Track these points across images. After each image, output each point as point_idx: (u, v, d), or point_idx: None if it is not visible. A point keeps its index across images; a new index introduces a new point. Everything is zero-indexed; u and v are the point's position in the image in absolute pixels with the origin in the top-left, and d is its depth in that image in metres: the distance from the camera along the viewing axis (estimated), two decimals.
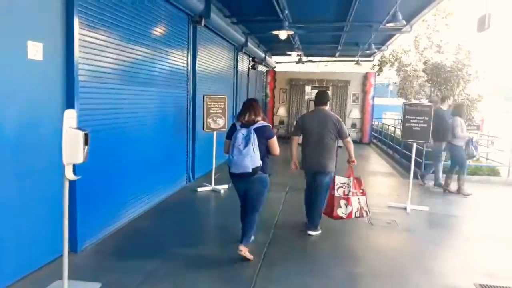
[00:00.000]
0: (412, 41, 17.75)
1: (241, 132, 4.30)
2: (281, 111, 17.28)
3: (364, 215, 5.31)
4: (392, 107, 28.78)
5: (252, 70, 13.56)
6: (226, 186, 7.71)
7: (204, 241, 5.17)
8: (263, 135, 4.37)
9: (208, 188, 7.60)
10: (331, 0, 8.81)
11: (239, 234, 4.64)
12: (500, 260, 4.80)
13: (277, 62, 19.44)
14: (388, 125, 15.88)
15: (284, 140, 16.28)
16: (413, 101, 19.12)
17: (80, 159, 3.41)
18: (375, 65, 19.40)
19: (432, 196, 7.94)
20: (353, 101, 16.96)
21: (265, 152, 4.43)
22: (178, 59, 7.35)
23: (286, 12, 8.88)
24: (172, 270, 4.24)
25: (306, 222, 5.53)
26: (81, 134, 3.39)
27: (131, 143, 5.69)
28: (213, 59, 9.57)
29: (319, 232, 5.43)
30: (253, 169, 4.24)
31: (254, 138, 4.24)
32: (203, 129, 7.46)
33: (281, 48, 15.13)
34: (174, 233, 5.35)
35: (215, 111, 7.50)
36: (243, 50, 12.01)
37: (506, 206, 7.65)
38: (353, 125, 16.59)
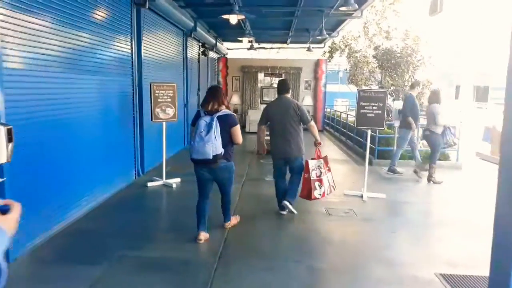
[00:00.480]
0: (362, 28, 17.89)
1: (204, 119, 4.36)
2: (235, 99, 16.93)
3: (333, 190, 5.84)
4: (343, 94, 29.33)
5: (202, 56, 13.07)
6: (178, 179, 7.33)
7: (155, 241, 4.78)
8: (226, 123, 4.44)
9: (159, 182, 7.17)
10: None
11: (192, 232, 4.50)
12: (460, 248, 4.78)
13: (228, 49, 19.00)
14: (341, 112, 16.01)
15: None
16: (364, 87, 19.51)
17: (3, 159, 2.91)
18: (325, 52, 19.44)
19: (388, 183, 7.98)
20: (306, 88, 16.94)
21: (228, 140, 4.51)
22: (121, 44, 6.82)
23: None
24: (121, 275, 3.86)
25: (280, 205, 5.71)
26: (2, 130, 2.89)
27: (70, 137, 5.17)
28: (161, 44, 9.04)
29: (294, 211, 5.69)
30: (213, 156, 4.30)
31: (216, 126, 4.31)
32: (151, 119, 6.99)
33: (232, 34, 14.75)
34: (122, 234, 4.92)
35: (163, 100, 7.04)
36: (192, 36, 11.50)
37: (460, 190, 7.82)
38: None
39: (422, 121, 9.01)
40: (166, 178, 7.22)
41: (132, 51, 7.27)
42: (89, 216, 5.48)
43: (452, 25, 26.81)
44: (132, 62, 7.32)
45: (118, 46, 6.71)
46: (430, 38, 13.05)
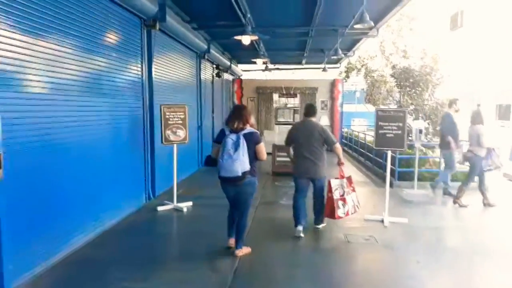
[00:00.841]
0: (378, 47, 17.66)
1: (231, 138, 4.49)
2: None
3: (357, 210, 5.94)
4: (360, 114, 28.95)
5: (217, 78, 12.97)
6: (190, 203, 7.07)
7: (162, 271, 4.47)
8: (252, 141, 4.56)
9: (170, 206, 6.92)
10: (295, 3, 8.41)
11: (201, 259, 4.39)
12: (493, 278, 4.37)
13: (243, 70, 18.95)
14: (358, 132, 15.64)
15: None
16: (382, 107, 19.12)
17: None
18: (341, 72, 19.21)
19: (409, 206, 7.55)
20: (322, 108, 16.63)
21: (253, 157, 4.63)
22: (131, 66, 6.72)
23: (249, 16, 8.39)
24: None
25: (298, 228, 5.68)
26: None
27: (75, 160, 4.99)
28: (173, 66, 8.94)
29: (324, 224, 6.03)
30: (242, 173, 4.45)
31: (243, 144, 4.45)
32: (162, 142, 6.79)
33: (247, 55, 14.67)
34: (127, 262, 4.66)
35: (174, 122, 6.86)
36: (206, 57, 11.43)
37: (487, 214, 7.34)
38: None
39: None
40: (177, 202, 6.97)
41: (142, 72, 7.16)
42: (95, 243, 5.25)
43: (471, 42, 26.34)
44: (143, 84, 7.19)
45: (128, 68, 6.60)
46: (449, 56, 12.67)
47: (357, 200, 5.96)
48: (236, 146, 4.44)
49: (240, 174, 4.45)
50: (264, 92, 16.62)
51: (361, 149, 13.85)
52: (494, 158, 7.41)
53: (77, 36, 4.97)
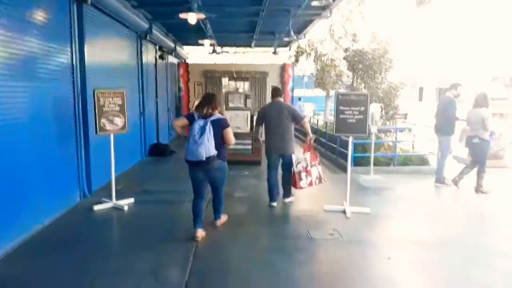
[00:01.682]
0: (327, 31, 17.37)
1: (198, 123, 4.64)
2: None
3: (323, 181, 6.25)
4: (308, 99, 28.88)
5: (160, 60, 11.99)
6: (131, 200, 6.26)
7: None
8: (219, 126, 4.73)
9: (108, 204, 6.07)
10: None
11: (147, 274, 3.63)
12: (460, 269, 4.04)
13: (190, 54, 17.97)
14: (310, 117, 15.33)
15: None
16: (331, 92, 18.95)
17: None
18: (291, 56, 18.78)
19: (368, 194, 7.20)
20: None
21: (222, 141, 4.79)
22: (57, 45, 5.73)
23: None
24: None
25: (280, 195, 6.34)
26: None
27: None
28: (109, 47, 7.95)
29: (293, 197, 6.46)
30: (207, 158, 4.56)
31: (209, 129, 4.58)
32: (96, 132, 5.90)
33: (193, 37, 13.77)
34: (54, 281, 3.84)
35: (110, 109, 5.98)
36: (148, 38, 10.44)
37: (442, 200, 7.17)
38: None
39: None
40: (117, 199, 6.15)
41: (72, 53, 6.18)
42: (14, 256, 4.32)
43: (415, 28, 26.93)
44: (73, 66, 6.22)
45: (54, 48, 5.62)
46: (397, 41, 12.51)
47: (322, 173, 6.31)
48: (202, 131, 4.57)
49: (204, 158, 4.55)
50: (212, 76, 15.81)
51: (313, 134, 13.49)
52: (495, 141, 7.25)
53: None
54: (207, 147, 4.54)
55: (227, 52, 18.74)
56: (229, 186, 7.43)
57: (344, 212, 5.89)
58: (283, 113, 6.12)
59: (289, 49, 17.79)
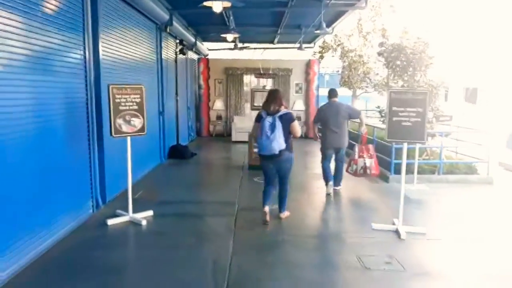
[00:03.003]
0: (356, 25, 16.40)
1: (268, 120, 5.11)
2: (218, 105, 15.06)
3: (367, 172, 6.96)
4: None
5: (181, 55, 11.22)
6: (150, 212, 5.49)
7: None
8: (287, 121, 5.16)
9: (124, 218, 5.30)
10: None
11: None
12: None
13: (209, 50, 17.18)
14: None
15: (224, 138, 14.42)
16: (358, 91, 17.95)
17: None
18: (315, 52, 17.83)
19: (418, 207, 6.28)
20: (296, 92, 15.24)
21: (288, 134, 5.22)
22: (67, 33, 4.97)
23: None
24: None
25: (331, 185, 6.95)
26: None
27: None
28: (126, 38, 7.18)
29: (341, 186, 7.17)
30: (279, 151, 5.09)
31: (279, 125, 5.06)
32: (111, 134, 5.14)
33: (214, 31, 12.99)
34: None
35: (127, 108, 5.21)
36: (168, 31, 9.67)
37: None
38: (297, 118, 14.82)
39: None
40: (134, 211, 5.39)
41: (85, 43, 5.43)
42: (12, 284, 3.59)
43: (443, 26, 25.70)
44: (85, 58, 5.48)
45: (64, 36, 4.86)
46: (434, 36, 11.51)
47: (373, 166, 6.95)
48: (273, 127, 5.05)
49: (277, 152, 5.10)
50: (233, 74, 15.00)
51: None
52: None
53: None
54: (279, 142, 5.04)
55: (249, 47, 17.83)
56: (257, 196, 6.65)
57: (396, 232, 5.02)
58: (340, 113, 6.81)
59: (313, 45, 16.87)
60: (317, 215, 6.09)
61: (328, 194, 6.83)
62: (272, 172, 5.37)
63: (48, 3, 4.53)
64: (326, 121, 6.90)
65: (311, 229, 5.28)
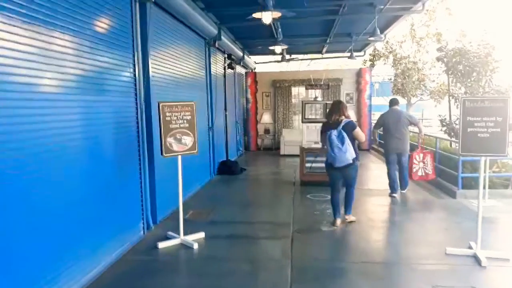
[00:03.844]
0: (409, 31, 15.69)
1: (334, 134, 5.35)
2: (266, 118, 14.83)
3: (423, 175, 7.62)
4: (378, 107, 26.89)
5: (229, 70, 11.11)
6: (201, 235, 5.25)
7: None
8: (350, 129, 5.42)
9: (175, 241, 5.07)
10: None
11: None
12: None
13: (256, 63, 17.06)
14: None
15: (272, 151, 14.12)
16: (413, 99, 17.09)
17: None
18: (366, 61, 17.23)
19: (493, 228, 5.61)
20: (347, 102, 14.69)
21: (353, 141, 5.46)
22: (115, 51, 4.88)
23: None
24: None
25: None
26: None
27: (25, 188, 3.18)
28: (176, 55, 7.10)
29: (408, 187, 7.67)
30: (352, 159, 5.38)
31: (345, 135, 5.32)
32: (162, 153, 4.97)
33: (262, 44, 12.82)
34: None
35: (178, 125, 5.03)
36: (216, 45, 9.57)
37: None
38: None
39: None
40: (185, 232, 5.16)
41: (134, 60, 5.34)
42: None
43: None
44: (136, 75, 5.38)
45: (111, 54, 4.78)
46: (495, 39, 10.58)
47: (428, 170, 7.59)
48: (342, 139, 5.30)
49: (351, 161, 5.37)
50: (281, 86, 14.76)
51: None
52: None
53: (34, 11, 3.16)
54: (350, 152, 5.31)
55: (297, 58, 17.49)
56: (313, 215, 6.27)
57: (475, 257, 4.44)
58: (401, 120, 7.24)
59: (363, 54, 16.29)
60: (382, 237, 5.59)
61: (393, 197, 7.30)
62: (340, 181, 5.67)
63: (98, 21, 4.45)
64: (388, 127, 7.35)
65: (378, 254, 4.78)
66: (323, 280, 4.03)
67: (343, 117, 5.48)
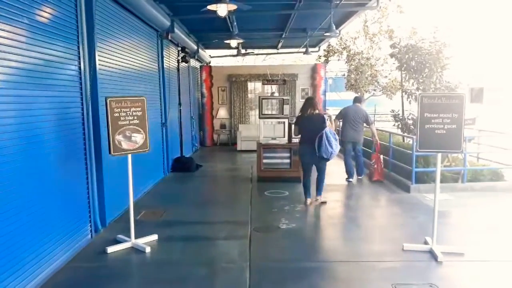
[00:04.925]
0: (362, 27, 15.91)
1: (327, 131, 6.22)
2: (222, 113, 14.56)
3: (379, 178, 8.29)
4: (331, 102, 27.32)
5: (183, 63, 10.73)
6: (154, 237, 4.96)
7: None
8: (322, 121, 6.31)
9: (126, 244, 4.75)
10: None
11: None
12: None
13: (212, 57, 16.71)
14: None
15: (229, 147, 13.89)
16: (366, 94, 17.40)
17: None
18: (320, 56, 17.34)
19: (447, 222, 5.71)
20: (302, 98, 14.71)
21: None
22: (57, 42, 4.47)
23: None
24: None
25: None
26: None
27: None
28: (126, 47, 6.69)
29: (367, 172, 8.63)
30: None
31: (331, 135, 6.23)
32: (110, 152, 4.62)
33: (216, 37, 12.53)
34: None
35: (127, 122, 4.70)
36: (169, 38, 9.18)
37: None
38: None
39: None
40: (136, 235, 4.85)
41: (79, 51, 4.93)
42: None
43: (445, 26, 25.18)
44: (81, 69, 4.97)
45: (55, 47, 4.36)
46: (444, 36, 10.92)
47: (375, 170, 8.29)
48: (334, 135, 6.25)
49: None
50: (237, 80, 14.52)
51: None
52: None
53: None
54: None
55: (252, 53, 17.32)
56: (270, 212, 6.13)
57: (431, 253, 4.47)
58: (358, 114, 8.21)
59: (318, 49, 16.38)
60: (340, 234, 5.55)
61: (349, 181, 8.21)
62: (312, 168, 6.60)
63: (37, 9, 4.04)
64: (348, 119, 8.24)
65: (337, 253, 4.70)
66: (283, 283, 3.88)
67: (317, 110, 6.40)
